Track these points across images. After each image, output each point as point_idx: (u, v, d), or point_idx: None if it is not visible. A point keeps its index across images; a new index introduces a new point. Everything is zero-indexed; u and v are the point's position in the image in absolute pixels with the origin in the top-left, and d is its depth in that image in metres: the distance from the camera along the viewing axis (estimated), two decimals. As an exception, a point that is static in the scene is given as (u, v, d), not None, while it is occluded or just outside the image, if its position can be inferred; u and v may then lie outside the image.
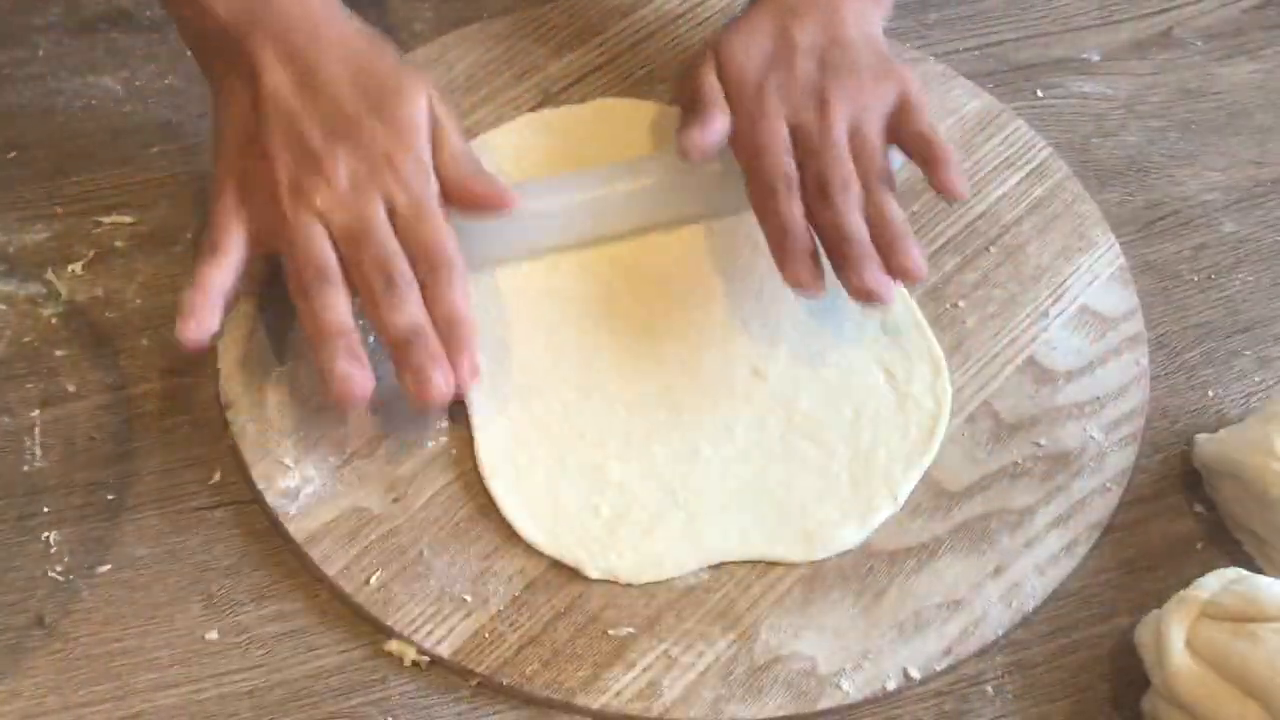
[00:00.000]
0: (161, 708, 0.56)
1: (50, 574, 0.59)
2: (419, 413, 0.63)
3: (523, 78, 0.77)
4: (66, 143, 0.72)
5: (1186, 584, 0.58)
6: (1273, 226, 0.77)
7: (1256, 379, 0.71)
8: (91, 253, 0.69)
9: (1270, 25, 0.87)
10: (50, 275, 0.68)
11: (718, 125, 0.67)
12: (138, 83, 0.76)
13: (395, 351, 0.59)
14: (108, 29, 0.78)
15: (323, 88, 0.62)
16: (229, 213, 0.61)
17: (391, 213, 0.61)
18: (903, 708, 0.59)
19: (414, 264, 0.61)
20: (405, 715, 0.57)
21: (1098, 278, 0.72)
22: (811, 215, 0.65)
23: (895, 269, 0.64)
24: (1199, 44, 0.85)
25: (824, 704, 0.58)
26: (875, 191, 0.65)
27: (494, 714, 0.57)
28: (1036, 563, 0.63)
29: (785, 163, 0.66)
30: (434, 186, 0.63)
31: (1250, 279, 0.75)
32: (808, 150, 0.66)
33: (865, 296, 0.63)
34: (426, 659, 0.58)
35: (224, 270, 0.60)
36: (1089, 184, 0.77)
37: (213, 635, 0.58)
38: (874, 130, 0.67)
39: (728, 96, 0.68)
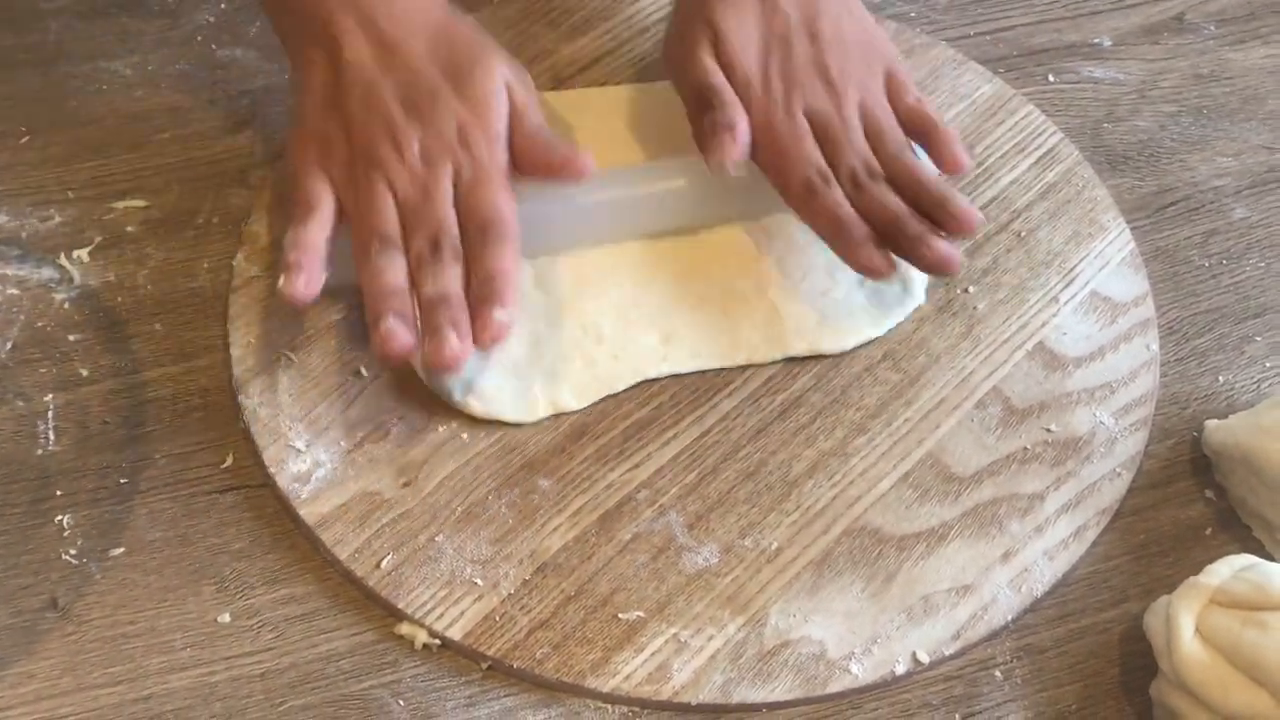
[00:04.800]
0: (174, 690, 0.57)
1: (64, 557, 0.59)
2: (434, 374, 0.63)
3: (533, 63, 0.76)
4: (78, 128, 0.73)
5: (1196, 570, 0.57)
6: (1284, 212, 0.77)
7: (1267, 365, 0.71)
8: (104, 238, 0.69)
9: (1283, 10, 0.87)
10: (63, 260, 0.68)
11: (742, 132, 0.66)
12: (149, 68, 0.76)
13: (422, 314, 0.60)
14: (119, 13, 0.78)
15: (401, 59, 0.64)
16: (313, 174, 0.63)
17: (457, 183, 0.63)
18: (912, 691, 0.59)
19: (466, 230, 0.62)
20: (416, 698, 0.57)
21: (1108, 263, 0.72)
22: (852, 203, 0.65)
23: (952, 229, 0.64)
24: (1211, 29, 0.85)
25: (833, 687, 0.58)
26: (904, 163, 0.66)
27: (504, 697, 0.58)
28: (1046, 548, 0.63)
29: (814, 158, 0.66)
30: (502, 158, 0.64)
31: (1261, 265, 0.74)
32: (830, 140, 0.66)
33: (937, 268, 0.64)
34: (437, 642, 0.58)
35: (320, 225, 0.62)
36: (1100, 169, 0.77)
37: (225, 618, 0.58)
38: (884, 110, 0.68)
39: (731, 81, 0.68)
